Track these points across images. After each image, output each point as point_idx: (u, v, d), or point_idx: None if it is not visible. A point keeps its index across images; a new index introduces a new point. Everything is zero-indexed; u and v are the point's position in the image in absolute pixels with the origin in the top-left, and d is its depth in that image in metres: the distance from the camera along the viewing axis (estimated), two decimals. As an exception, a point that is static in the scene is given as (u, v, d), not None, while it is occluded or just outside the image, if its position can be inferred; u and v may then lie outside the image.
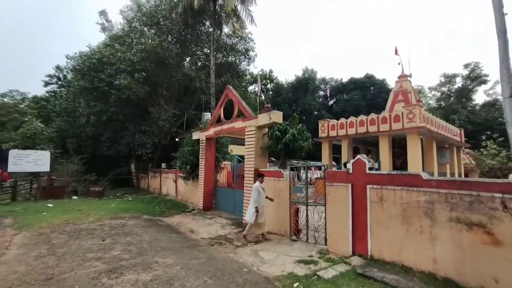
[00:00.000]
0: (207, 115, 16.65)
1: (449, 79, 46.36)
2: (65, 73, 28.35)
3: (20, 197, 12.71)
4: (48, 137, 18.18)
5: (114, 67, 15.91)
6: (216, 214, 9.95)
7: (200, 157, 11.23)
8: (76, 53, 17.79)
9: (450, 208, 3.84)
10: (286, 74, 75.39)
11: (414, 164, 14.48)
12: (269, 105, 8.05)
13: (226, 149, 12.27)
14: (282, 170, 7.07)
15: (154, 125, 16.04)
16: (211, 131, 10.63)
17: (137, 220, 8.21)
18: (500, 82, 4.44)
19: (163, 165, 16.30)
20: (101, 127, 17.19)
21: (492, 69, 64.66)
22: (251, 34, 24.43)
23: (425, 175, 4.30)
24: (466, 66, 43.96)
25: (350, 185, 5.24)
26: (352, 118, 17.87)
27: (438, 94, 48.72)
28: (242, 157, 13.97)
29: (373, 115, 17.11)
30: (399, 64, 20.39)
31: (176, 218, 9.37)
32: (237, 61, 24.04)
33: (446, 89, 46.54)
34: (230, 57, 24.08)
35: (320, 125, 17.75)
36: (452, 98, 46.48)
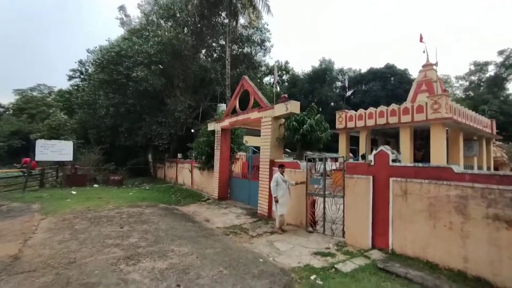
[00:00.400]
0: (222, 106, 16.61)
1: (481, 67, 43.22)
2: (87, 67, 29.40)
3: (48, 184, 13.45)
4: (71, 128, 19.00)
5: (132, 60, 16.15)
6: (231, 204, 9.97)
7: (215, 147, 11.24)
8: (96, 47, 18.25)
9: (487, 204, 3.51)
10: (302, 66, 73.56)
11: (438, 156, 13.70)
12: (286, 95, 7.80)
13: (241, 140, 12.18)
14: (298, 161, 6.88)
15: (170, 116, 16.25)
16: (226, 122, 10.56)
17: (154, 208, 8.38)
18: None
19: (179, 155, 16.57)
20: (119, 119, 17.67)
21: (528, 56, 59.53)
22: (267, 25, 23.88)
23: (457, 168, 3.96)
24: (500, 52, 40.67)
25: (371, 177, 4.97)
26: (371, 109, 17.14)
27: (467, 83, 45.67)
28: (257, 148, 13.88)
29: (393, 106, 16.31)
30: (424, 52, 19.17)
31: (191, 207, 9.49)
32: (252, 52, 23.70)
33: (476, 78, 43.50)
34: (245, 48, 23.76)
35: (337, 116, 17.22)
36: (482, 88, 43.43)
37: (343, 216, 5.61)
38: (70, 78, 34.09)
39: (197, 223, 6.94)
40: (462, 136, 16.09)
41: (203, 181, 12.77)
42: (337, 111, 17.89)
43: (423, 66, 18.73)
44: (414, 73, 42.43)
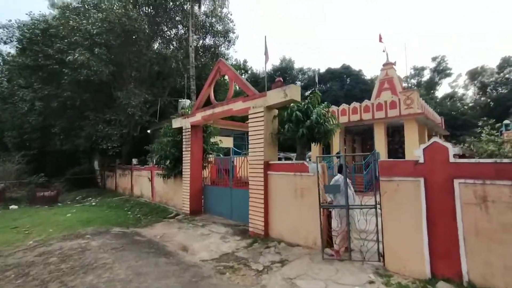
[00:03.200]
0: (184, 102, 14.29)
1: (418, 71, 48.44)
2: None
3: None
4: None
5: (66, 40, 12.69)
6: (208, 219, 8.01)
7: (184, 149, 9.09)
8: (10, 20, 13.99)
9: None
10: (263, 64, 73.36)
11: (412, 152, 13.62)
12: (281, 79, 6.24)
13: (213, 139, 10.20)
14: (305, 163, 5.36)
15: (122, 113, 13.24)
16: (198, 117, 8.53)
17: (105, 237, 5.91)
18: None
19: (134, 161, 13.70)
20: (51, 116, 13.84)
21: (455, 63, 69.51)
22: (231, 15, 22.13)
23: None
24: (434, 59, 46.15)
25: (421, 179, 3.71)
26: (344, 106, 16.81)
27: (409, 85, 50.79)
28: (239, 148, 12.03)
29: (367, 102, 16.17)
30: (383, 51, 19.84)
31: (157, 229, 7.25)
32: (216, 43, 21.70)
33: (416, 81, 48.55)
34: (207, 39, 21.67)
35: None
36: (421, 90, 48.70)
37: (377, 233, 4.28)
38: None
39: (173, 257, 4.88)
40: (427, 132, 16.80)
41: (167, 191, 10.41)
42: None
43: (384, 65, 19.23)
44: (368, 74, 45.19)
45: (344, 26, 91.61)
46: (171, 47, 19.77)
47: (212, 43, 21.82)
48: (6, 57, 16.35)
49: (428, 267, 3.58)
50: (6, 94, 14.18)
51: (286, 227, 5.64)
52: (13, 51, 16.69)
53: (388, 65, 18.94)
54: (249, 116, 6.56)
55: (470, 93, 45.49)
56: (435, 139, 3.78)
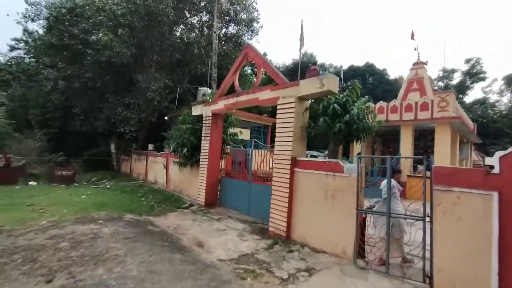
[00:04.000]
0: (206, 90, 13.89)
1: (448, 73, 45.65)
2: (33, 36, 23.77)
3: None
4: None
5: (91, 20, 12.53)
6: (223, 213, 7.63)
7: (203, 138, 8.70)
8: (38, -1, 13.97)
9: None
10: (283, 58, 71.91)
11: (442, 159, 12.63)
12: (317, 67, 5.61)
13: (232, 130, 9.73)
14: (340, 162, 4.77)
15: (141, 97, 13.04)
16: (220, 105, 8.08)
17: (117, 224, 5.63)
18: None
19: (150, 146, 13.55)
20: (73, 96, 13.89)
21: (492, 66, 65.15)
22: (256, 3, 21.35)
23: None
24: (467, 61, 43.24)
25: (494, 194, 3.05)
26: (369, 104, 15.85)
27: (436, 88, 48.14)
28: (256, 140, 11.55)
29: (395, 102, 15.15)
30: (415, 49, 18.50)
31: (171, 219, 6.94)
32: (239, 32, 21.07)
33: (444, 84, 45.84)
34: (231, 27, 21.08)
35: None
36: (450, 94, 46.06)
37: (424, 248, 3.67)
38: (12, 49, 27.84)
39: (187, 253, 4.49)
40: (459, 137, 15.59)
41: (182, 180, 10.13)
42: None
43: (414, 64, 17.93)
44: (392, 74, 43.10)
45: (367, 22, 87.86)
46: (193, 34, 19.40)
47: (235, 32, 21.21)
48: (33, 35, 16.56)
49: (494, 299, 2.96)
50: (32, 72, 14.35)
51: (311, 231, 5.12)
52: (40, 31, 16.95)
53: (419, 64, 17.61)
54: (278, 107, 6.01)
55: (505, 100, 42.40)
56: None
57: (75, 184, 11.48)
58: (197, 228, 6.20)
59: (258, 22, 21.50)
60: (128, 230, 5.19)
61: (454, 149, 14.82)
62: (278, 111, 6.00)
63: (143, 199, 9.21)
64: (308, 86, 5.40)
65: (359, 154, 16.45)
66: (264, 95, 6.52)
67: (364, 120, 4.89)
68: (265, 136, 19.38)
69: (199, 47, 14.50)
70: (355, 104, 4.88)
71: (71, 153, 15.63)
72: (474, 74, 43.24)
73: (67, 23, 12.59)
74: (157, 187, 11.41)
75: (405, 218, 3.91)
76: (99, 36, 11.20)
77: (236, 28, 21.08)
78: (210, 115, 8.47)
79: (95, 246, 4.19)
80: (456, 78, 44.71)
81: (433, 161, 3.73)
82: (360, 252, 4.37)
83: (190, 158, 9.18)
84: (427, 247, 3.62)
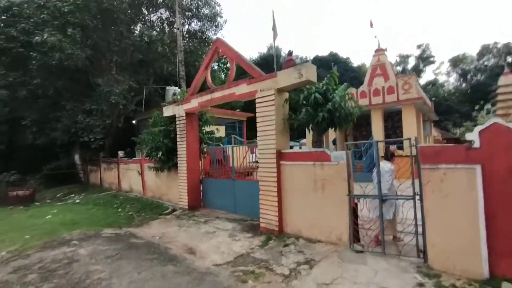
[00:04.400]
0: (174, 90, 13.19)
1: (403, 58, 49.07)
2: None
3: None
4: None
5: (32, 20, 11.09)
6: (209, 214, 7.34)
7: (178, 139, 8.24)
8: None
9: None
10: (250, 52, 71.46)
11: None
12: (292, 58, 5.51)
13: (209, 127, 9.37)
14: (326, 151, 4.77)
15: (104, 101, 11.95)
16: (193, 103, 7.68)
17: (95, 242, 5.07)
18: None
19: (120, 153, 12.61)
20: (19, 107, 12.30)
21: (439, 51, 70.91)
22: (217, -3, 20.71)
23: None
24: (418, 46, 46.80)
25: (477, 167, 3.22)
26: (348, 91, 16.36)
27: (395, 73, 51.57)
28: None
29: (364, 87, 15.83)
30: (375, 37, 19.66)
31: (154, 227, 6.51)
32: (202, 28, 20.35)
33: (401, 68, 49.21)
34: (194, 23, 20.27)
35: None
36: (406, 77, 49.75)
37: (416, 226, 3.81)
38: None
39: (179, 262, 4.19)
40: (421, 116, 16.81)
41: (161, 185, 9.57)
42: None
43: (376, 51, 18.82)
44: (355, 61, 45.12)
45: (330, 13, 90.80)
46: (154, 32, 18.29)
47: (198, 28, 20.48)
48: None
49: (486, 266, 3.14)
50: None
51: (304, 222, 5.10)
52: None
53: (380, 51, 18.51)
54: (257, 100, 5.84)
55: (452, 80, 46.86)
56: (495, 119, 3.27)
57: (36, 203, 10.27)
58: (185, 233, 5.88)
59: (221, 17, 20.93)
60: (108, 248, 4.69)
61: (419, 127, 15.95)
62: (257, 105, 5.83)
63: (120, 210, 8.53)
64: (286, 77, 5.29)
65: (334, 140, 17.01)
66: (241, 89, 6.29)
67: (345, 107, 4.92)
68: (240, 131, 19.15)
69: (163, 45, 13.68)
70: (335, 91, 4.88)
71: (26, 170, 13.95)
72: (425, 58, 47.08)
73: (2, 24, 10.99)
74: (133, 195, 10.66)
75: (396, 199, 4.02)
76: (44, 37, 9.94)
77: (199, 24, 20.34)
78: (184, 114, 8.02)
79: (72, 272, 3.69)
80: (411, 63, 48.25)
81: (418, 142, 3.85)
82: (355, 236, 4.43)
83: (167, 162, 8.66)
84: (419, 224, 3.76)
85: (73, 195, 12.12)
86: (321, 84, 5.08)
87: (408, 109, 13.86)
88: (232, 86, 6.52)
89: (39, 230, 5.85)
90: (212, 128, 9.79)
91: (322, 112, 4.77)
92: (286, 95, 5.79)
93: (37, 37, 10.03)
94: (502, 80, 21.82)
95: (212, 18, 20.25)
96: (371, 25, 19.89)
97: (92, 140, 12.12)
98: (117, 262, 4.03)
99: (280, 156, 5.45)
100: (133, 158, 11.59)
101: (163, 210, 8.11)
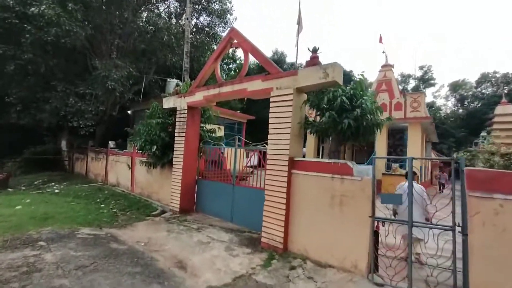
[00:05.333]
0: (178, 82, 12.50)
1: (405, 78, 49.59)
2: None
3: None
4: None
5: (30, -10, 10.27)
6: (202, 220, 6.63)
7: (177, 134, 7.54)
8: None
9: None
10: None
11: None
12: (317, 55, 4.94)
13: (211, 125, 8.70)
14: (349, 163, 4.17)
15: (99, 86, 11.12)
16: (198, 96, 7.02)
17: (67, 245, 4.26)
18: None
19: (111, 143, 11.77)
20: (6, 82, 11.36)
21: (439, 73, 72.33)
22: (229, -7, 20.26)
23: None
24: (421, 68, 47.38)
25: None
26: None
27: (395, 91, 51.96)
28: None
29: (370, 101, 15.45)
30: (383, 52, 19.39)
31: (140, 230, 5.76)
32: (211, 23, 19.80)
33: (402, 87, 49.65)
34: (202, 18, 19.72)
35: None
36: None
37: (454, 262, 3.21)
38: None
39: (168, 281, 3.48)
40: (425, 137, 16.52)
41: (152, 183, 8.80)
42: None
43: (383, 66, 18.66)
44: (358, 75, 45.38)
45: (338, 26, 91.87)
46: (163, 20, 17.63)
47: (206, 23, 19.95)
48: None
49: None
50: None
51: (313, 242, 4.46)
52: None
53: (387, 66, 18.37)
54: (271, 99, 5.23)
55: (450, 104, 47.48)
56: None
57: (9, 189, 9.30)
58: (175, 241, 5.15)
59: (231, 14, 20.45)
60: (82, 254, 3.92)
61: (422, 147, 15.64)
62: (271, 104, 5.22)
63: (103, 205, 7.72)
64: (309, 76, 4.70)
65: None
66: (254, 85, 5.67)
67: (375, 116, 4.35)
68: (239, 133, 18.51)
69: (169, 34, 12.98)
70: (364, 97, 4.31)
71: (4, 152, 12.91)
72: (426, 80, 47.66)
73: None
74: (120, 190, 9.82)
75: (430, 228, 3.43)
76: (42, 9, 9.13)
77: (207, 19, 19.83)
78: (186, 108, 7.35)
79: (31, 283, 2.92)
80: (412, 83, 48.77)
81: (463, 164, 3.28)
82: (374, 265, 3.81)
83: (161, 158, 7.93)
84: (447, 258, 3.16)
85: (53, 183, 11.16)
86: (348, 88, 4.51)
87: (414, 128, 13.49)
88: (244, 81, 5.90)
89: (2, 223, 4.98)
90: (214, 126, 9.13)
91: (348, 118, 4.17)
92: (305, 96, 5.21)
93: (33, 8, 9.21)
94: (498, 109, 22.13)
95: (222, 14, 19.73)
96: (380, 40, 19.75)
97: (82, 126, 11.26)
98: (91, 275, 3.27)
99: (292, 164, 4.82)
100: (124, 150, 10.77)
101: (151, 210, 7.35)
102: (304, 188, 4.65)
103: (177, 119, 7.60)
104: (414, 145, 13.32)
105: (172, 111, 8.00)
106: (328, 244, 4.27)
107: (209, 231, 5.85)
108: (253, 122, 19.44)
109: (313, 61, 4.82)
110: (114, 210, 7.27)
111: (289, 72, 5.04)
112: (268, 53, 44.88)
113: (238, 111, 19.69)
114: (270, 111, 5.22)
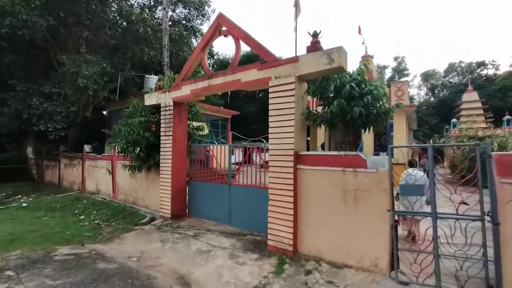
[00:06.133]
0: (159, 77, 11.60)
1: (381, 69, 51.16)
2: None
3: None
4: None
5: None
6: (197, 225, 6.11)
7: (163, 133, 6.87)
8: None
9: None
10: (231, 49, 69.88)
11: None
12: (318, 40, 4.54)
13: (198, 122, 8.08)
14: (361, 155, 3.86)
15: (68, 84, 9.98)
16: (184, 90, 6.40)
17: (42, 272, 3.53)
18: None
19: (87, 147, 10.70)
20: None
21: (412, 63, 75.59)
22: (205, -17, 19.33)
23: None
24: (395, 59, 49.11)
25: None
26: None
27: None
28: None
29: (355, 92, 15.50)
30: (363, 43, 19.62)
31: (129, 243, 5.12)
32: (188, 16, 18.83)
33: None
34: (178, 10, 18.68)
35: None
36: (382, 88, 52.19)
37: (485, 255, 3.02)
38: None
39: (172, 304, 2.97)
40: (408, 125, 16.96)
41: (136, 188, 8.04)
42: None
43: (363, 57, 18.81)
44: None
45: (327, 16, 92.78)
46: (137, 11, 16.39)
47: (183, 16, 18.94)
48: None
49: None
50: None
51: (326, 241, 4.14)
52: None
53: (367, 57, 18.56)
54: (270, 90, 4.79)
55: (422, 93, 49.84)
56: None
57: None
58: (171, 253, 4.60)
59: (209, 6, 19.56)
60: (63, 282, 3.25)
61: (406, 135, 16.04)
62: (270, 95, 4.78)
63: (82, 217, 6.90)
64: (312, 63, 4.31)
65: (322, 144, 16.44)
66: (249, 75, 5.19)
67: (382, 103, 4.07)
68: (224, 129, 17.90)
69: (145, 26, 11.99)
70: (373, 84, 4.00)
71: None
72: (400, 70, 49.57)
73: None
74: (100, 198, 8.93)
75: (457, 219, 3.20)
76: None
77: (184, 11, 18.82)
78: (171, 104, 6.69)
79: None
80: (388, 74, 50.47)
81: (489, 149, 3.07)
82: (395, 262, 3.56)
83: (146, 160, 7.21)
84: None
85: (19, 196, 9.91)
86: (354, 73, 4.18)
87: (399, 116, 13.68)
88: (237, 72, 5.39)
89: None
90: (201, 123, 8.50)
91: (358, 106, 3.84)
92: (306, 85, 4.83)
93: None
94: (465, 97, 23.53)
95: (200, 6, 18.79)
96: (359, 31, 19.91)
97: (51, 129, 10.09)
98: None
99: (297, 159, 4.44)
100: (103, 154, 9.82)
101: (139, 218, 6.67)
102: (312, 184, 4.30)
103: (162, 117, 6.92)
104: (400, 133, 13.56)
105: (156, 109, 7.30)
106: (343, 243, 3.97)
107: (207, 237, 5.36)
108: (236, 118, 18.95)
109: (315, 46, 4.42)
110: (97, 221, 6.50)
111: (289, 59, 4.62)
112: (248, 48, 44.24)
113: (221, 107, 19.02)
114: (269, 102, 4.78)
